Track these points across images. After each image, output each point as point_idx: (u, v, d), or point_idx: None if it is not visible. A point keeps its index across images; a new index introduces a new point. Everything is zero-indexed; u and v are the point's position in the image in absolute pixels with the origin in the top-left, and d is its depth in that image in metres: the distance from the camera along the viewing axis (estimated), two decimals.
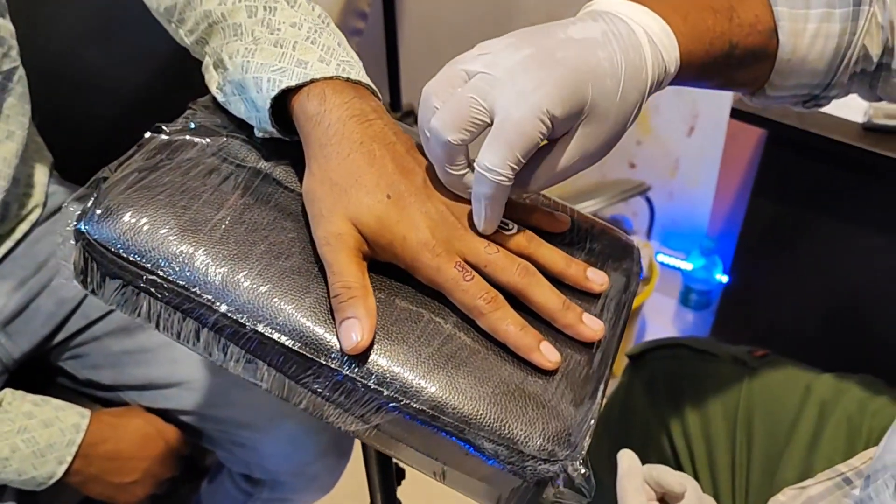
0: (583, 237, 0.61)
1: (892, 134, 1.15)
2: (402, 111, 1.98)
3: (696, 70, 0.57)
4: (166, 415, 0.97)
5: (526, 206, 0.59)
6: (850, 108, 1.17)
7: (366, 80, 0.58)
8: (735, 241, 1.46)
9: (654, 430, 0.96)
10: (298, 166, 0.58)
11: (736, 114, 1.23)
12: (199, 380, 0.96)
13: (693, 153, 1.80)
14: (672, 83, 0.57)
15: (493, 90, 0.50)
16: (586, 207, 1.65)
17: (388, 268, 0.53)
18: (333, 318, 0.50)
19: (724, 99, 1.44)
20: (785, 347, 0.99)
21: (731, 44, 0.58)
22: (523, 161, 0.50)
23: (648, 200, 1.77)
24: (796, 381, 0.90)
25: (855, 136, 1.15)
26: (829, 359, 1.01)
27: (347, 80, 0.56)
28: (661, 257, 1.89)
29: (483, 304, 0.51)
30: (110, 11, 1.11)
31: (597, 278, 0.57)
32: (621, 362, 1.08)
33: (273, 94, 0.55)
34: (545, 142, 0.53)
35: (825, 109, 1.20)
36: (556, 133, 0.52)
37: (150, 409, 0.97)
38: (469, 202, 0.54)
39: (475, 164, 0.51)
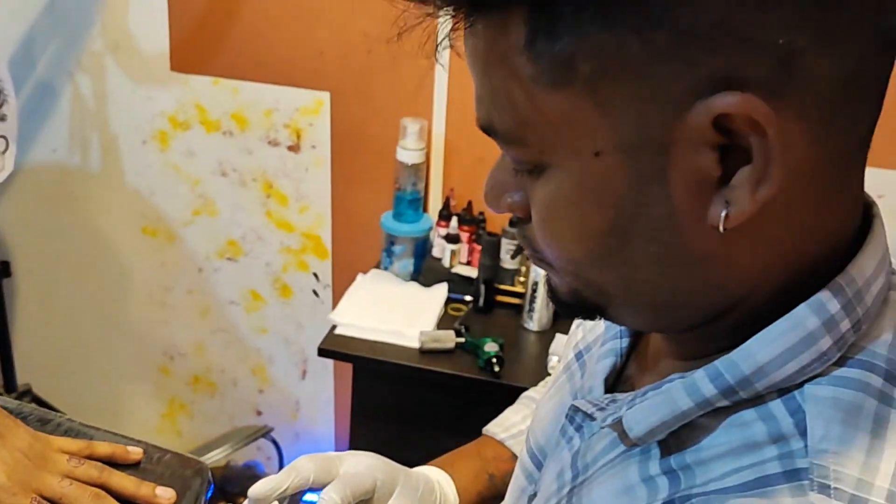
0: (156, 463, 0.73)
1: (441, 354, 1.45)
2: (17, 391, 1.95)
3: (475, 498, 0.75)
4: None
5: (103, 445, 0.70)
6: (408, 337, 1.47)
7: None
8: None
9: None
10: None
11: (322, 352, 1.46)
12: None
13: (309, 394, 2.01)
14: None
15: None
16: (214, 456, 1.74)
17: None
18: None
19: (320, 336, 1.66)
20: None
21: (490, 474, 0.76)
22: None
23: (274, 443, 1.91)
24: None
25: (414, 359, 1.44)
26: None
27: None
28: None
29: None
30: None
31: (165, 494, 0.69)
32: None
33: None
34: None
35: (387, 339, 1.49)
36: None
37: None
38: (47, 445, 0.65)
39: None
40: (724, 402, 0.40)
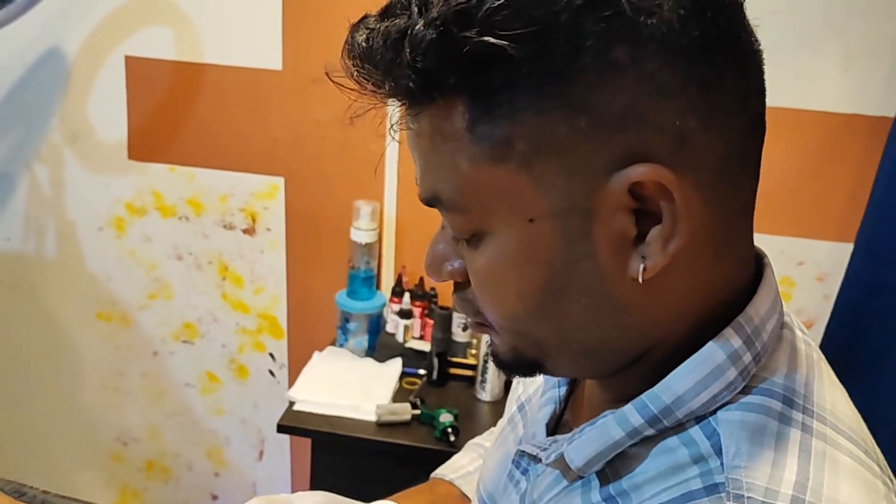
0: None
1: (398, 426, 1.49)
2: None
3: None
4: None
5: None
6: (365, 411, 1.51)
7: None
8: None
9: None
10: None
11: (281, 429, 1.49)
12: None
13: (266, 474, 2.01)
14: None
15: None
16: None
17: None
18: None
19: (277, 415, 1.68)
20: None
21: None
22: None
23: None
24: None
25: (371, 432, 1.48)
26: None
27: None
28: None
29: None
30: None
31: None
32: None
33: None
34: None
35: (345, 414, 1.51)
36: None
37: None
38: None
39: None
40: (651, 431, 0.46)
